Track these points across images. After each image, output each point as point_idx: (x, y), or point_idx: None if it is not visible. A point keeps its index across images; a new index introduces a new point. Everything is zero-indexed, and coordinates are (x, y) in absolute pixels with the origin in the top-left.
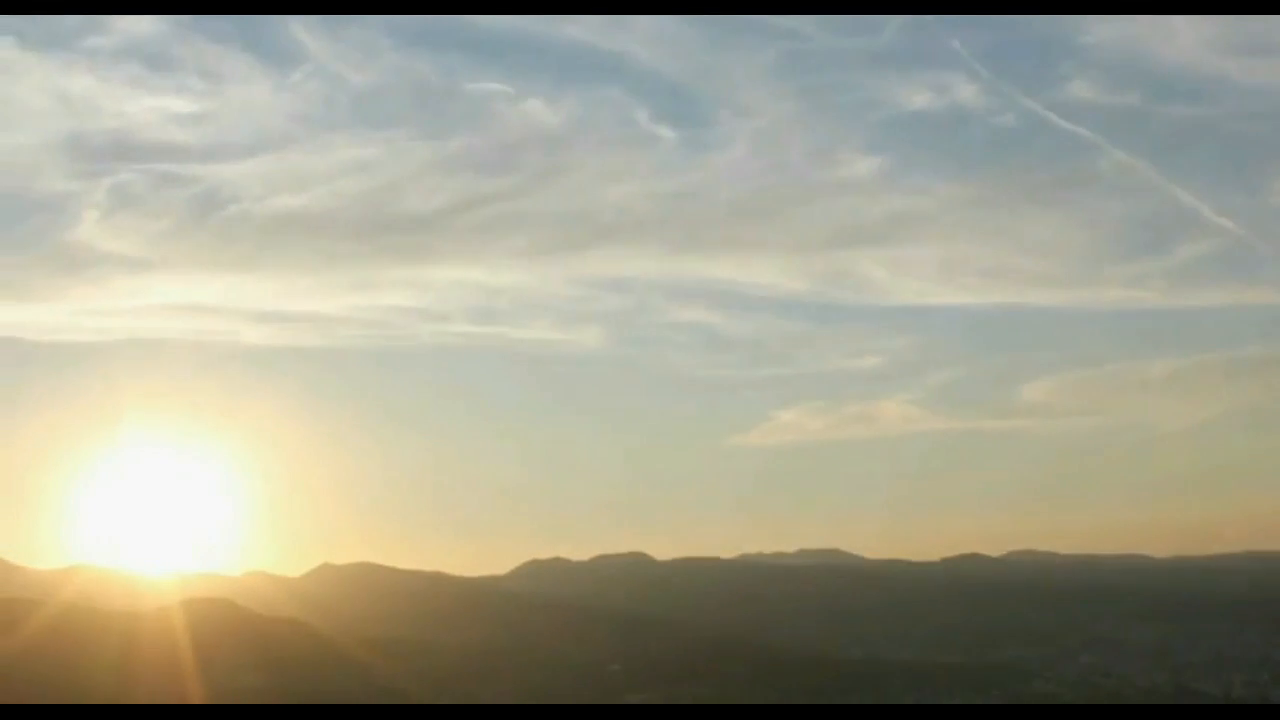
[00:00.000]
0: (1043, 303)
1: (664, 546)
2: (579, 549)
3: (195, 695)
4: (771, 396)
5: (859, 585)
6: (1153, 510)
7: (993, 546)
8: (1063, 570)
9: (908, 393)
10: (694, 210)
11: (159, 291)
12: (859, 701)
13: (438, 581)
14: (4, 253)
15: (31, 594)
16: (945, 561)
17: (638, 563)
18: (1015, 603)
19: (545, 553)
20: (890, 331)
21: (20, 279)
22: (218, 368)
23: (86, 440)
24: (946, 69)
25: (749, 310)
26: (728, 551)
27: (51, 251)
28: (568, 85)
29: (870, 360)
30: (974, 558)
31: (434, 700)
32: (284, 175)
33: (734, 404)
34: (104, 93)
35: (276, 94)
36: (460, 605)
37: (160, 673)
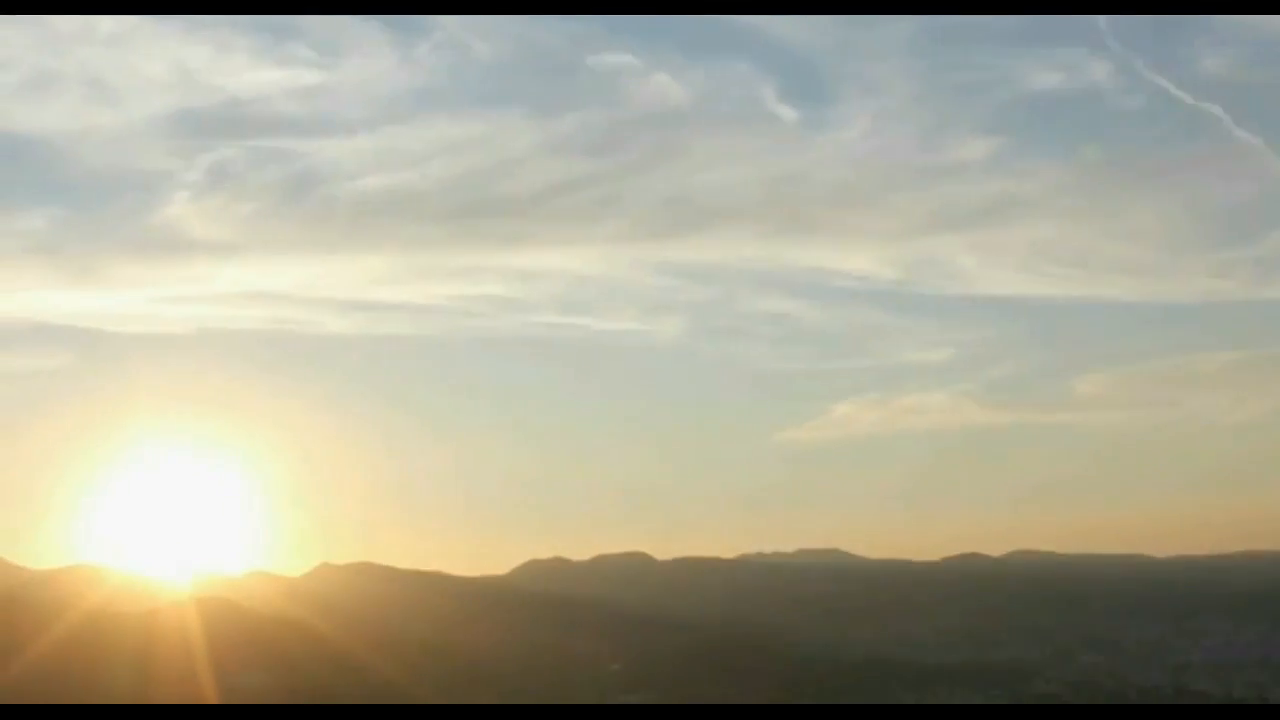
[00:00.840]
0: (1123, 294)
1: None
2: (579, 548)
3: (194, 695)
4: (834, 389)
5: (859, 585)
6: (1193, 505)
7: (993, 546)
8: (1063, 570)
9: (966, 385)
10: (797, 194)
11: (242, 278)
12: (859, 701)
13: (438, 581)
14: (91, 237)
15: (27, 593)
16: (945, 561)
17: (638, 562)
18: (1015, 603)
19: (545, 552)
20: (966, 323)
21: (102, 265)
22: (295, 360)
23: (127, 439)
24: (1081, 46)
25: (833, 300)
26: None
27: (138, 235)
28: (698, 59)
29: (942, 353)
30: (974, 558)
31: (434, 700)
32: (387, 153)
33: (795, 397)
34: (221, 64)
35: (399, 67)
36: (460, 605)
37: (160, 672)
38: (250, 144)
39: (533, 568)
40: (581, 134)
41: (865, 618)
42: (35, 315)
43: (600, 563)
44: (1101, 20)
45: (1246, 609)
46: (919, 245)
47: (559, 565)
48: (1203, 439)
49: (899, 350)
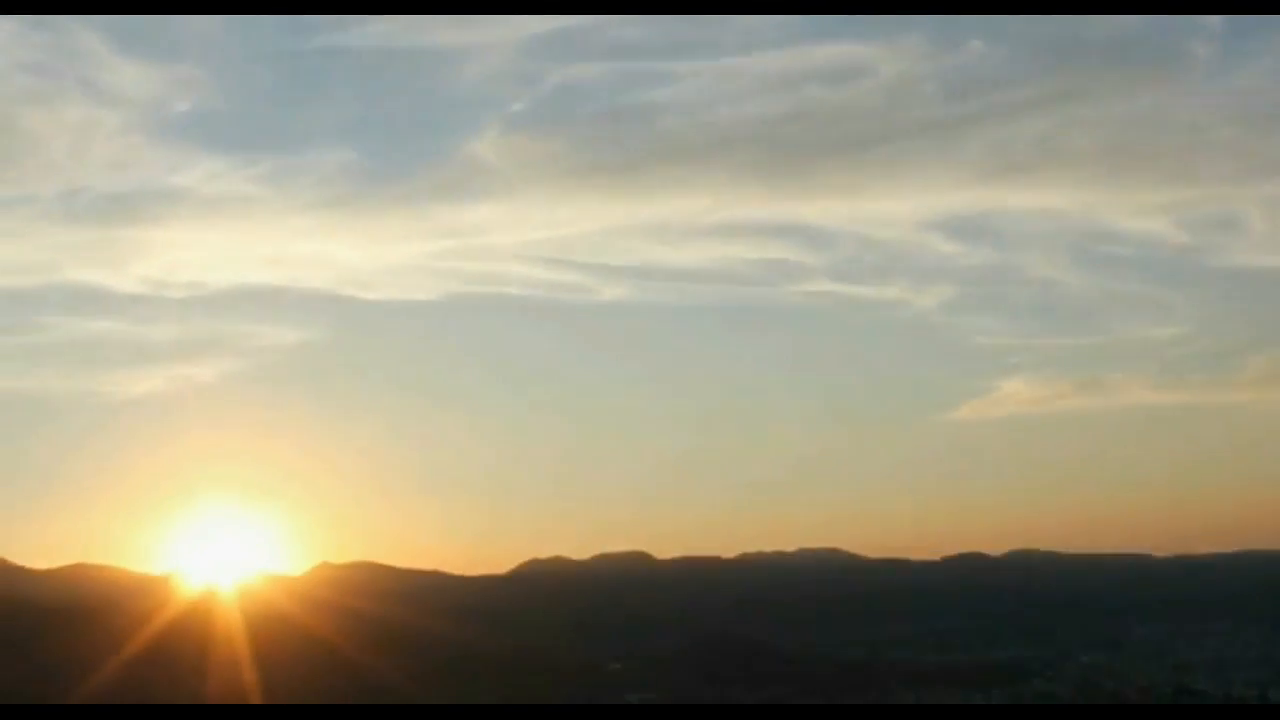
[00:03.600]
0: None
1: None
2: (579, 548)
3: (192, 694)
4: (1018, 366)
5: (859, 585)
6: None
7: (994, 546)
8: (1062, 570)
9: (1147, 364)
10: (1142, 139)
11: (517, 232)
12: (859, 701)
13: (438, 581)
14: (382, 180)
15: (28, 593)
16: (945, 561)
17: (638, 562)
18: (1015, 603)
19: (545, 552)
20: (1216, 297)
21: (376, 218)
22: (540, 335)
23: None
24: None
25: (1106, 266)
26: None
27: (429, 178)
28: None
29: (1168, 330)
30: (974, 557)
31: (432, 700)
32: (740, 81)
33: (982, 375)
34: None
35: None
36: (460, 605)
37: (158, 672)
38: (608, 65)
39: (533, 568)
40: (976, 68)
41: (865, 618)
42: (293, 280)
43: (600, 562)
44: None
45: (1247, 608)
46: (1222, 201)
47: (559, 565)
48: None
49: (1130, 325)
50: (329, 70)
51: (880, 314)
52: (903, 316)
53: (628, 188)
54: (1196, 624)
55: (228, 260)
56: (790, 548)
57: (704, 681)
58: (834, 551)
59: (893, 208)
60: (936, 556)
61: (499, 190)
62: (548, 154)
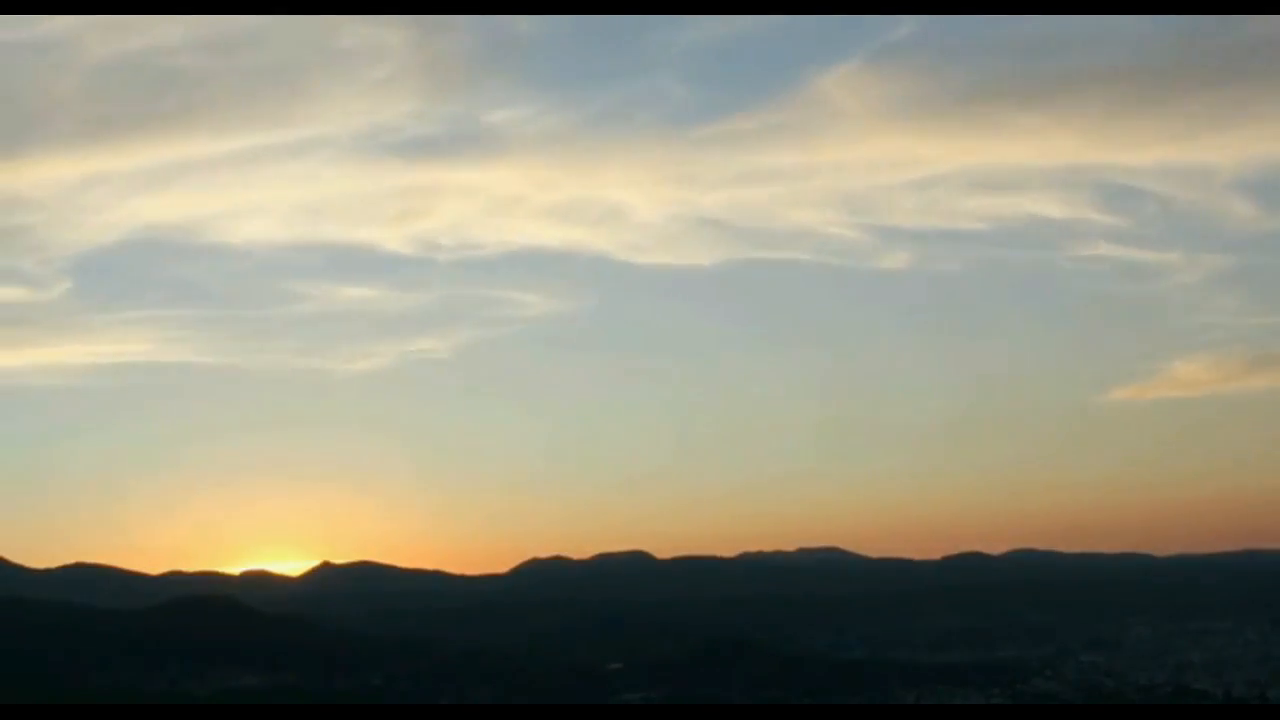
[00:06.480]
0: None
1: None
2: (579, 548)
3: (194, 694)
4: (1198, 346)
5: (859, 585)
6: None
7: (994, 545)
8: (1062, 569)
9: None
10: None
11: (821, 180)
12: (859, 701)
13: (438, 581)
14: (710, 123)
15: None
16: (945, 561)
17: (638, 562)
18: (1015, 603)
19: (545, 551)
20: None
21: (683, 169)
22: (792, 309)
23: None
24: None
25: None
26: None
27: (756, 119)
28: None
29: None
30: (974, 557)
31: (432, 700)
32: (1127, 16)
33: (1171, 355)
34: None
35: None
36: (460, 605)
37: (159, 671)
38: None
39: (533, 567)
40: None
41: (865, 618)
42: (570, 242)
43: (600, 562)
44: None
45: (1246, 608)
46: None
47: (559, 564)
48: None
49: None
50: None
51: (1131, 286)
52: (1150, 289)
53: (946, 132)
54: (1196, 624)
55: (510, 215)
56: (790, 548)
57: (704, 681)
58: (834, 550)
59: (1212, 160)
60: (936, 556)
61: (820, 133)
62: (888, 95)
